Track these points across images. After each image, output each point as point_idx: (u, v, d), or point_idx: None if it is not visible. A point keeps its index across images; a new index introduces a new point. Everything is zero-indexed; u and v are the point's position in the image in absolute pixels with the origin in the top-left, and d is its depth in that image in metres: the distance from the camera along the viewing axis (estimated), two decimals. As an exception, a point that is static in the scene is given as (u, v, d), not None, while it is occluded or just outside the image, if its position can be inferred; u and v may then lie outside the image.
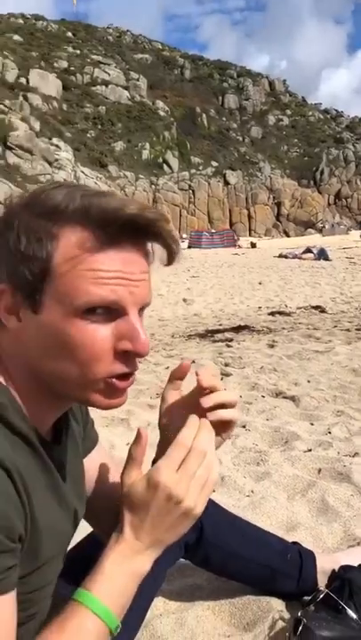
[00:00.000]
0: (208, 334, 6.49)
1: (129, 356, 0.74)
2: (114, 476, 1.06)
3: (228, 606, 1.44)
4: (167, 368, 4.47)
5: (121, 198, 0.72)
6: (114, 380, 0.74)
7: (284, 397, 3.47)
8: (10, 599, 0.67)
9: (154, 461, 0.80)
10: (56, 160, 64.18)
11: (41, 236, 0.70)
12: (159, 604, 1.47)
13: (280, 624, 1.31)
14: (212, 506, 1.39)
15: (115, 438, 2.74)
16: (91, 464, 1.01)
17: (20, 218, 0.72)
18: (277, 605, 1.39)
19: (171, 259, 0.77)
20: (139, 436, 0.78)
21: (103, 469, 1.05)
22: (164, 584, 1.43)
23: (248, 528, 1.43)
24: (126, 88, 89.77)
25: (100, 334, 0.71)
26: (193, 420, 0.77)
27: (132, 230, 0.71)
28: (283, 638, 1.24)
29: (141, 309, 0.76)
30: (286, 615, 1.35)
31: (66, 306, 0.70)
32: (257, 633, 1.30)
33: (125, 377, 0.76)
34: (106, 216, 0.69)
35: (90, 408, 1.01)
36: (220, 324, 7.42)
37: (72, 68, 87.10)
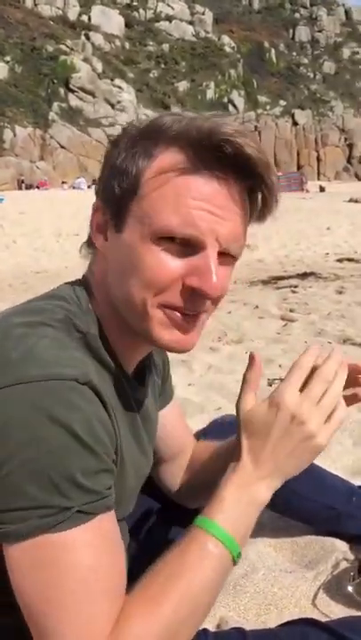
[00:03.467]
0: (272, 281, 6.35)
1: (195, 295, 0.69)
2: (183, 437, 1.07)
3: (289, 544, 1.44)
4: (229, 313, 4.43)
5: (225, 122, 0.66)
6: (176, 313, 0.70)
7: (353, 344, 3.36)
8: (114, 516, 0.66)
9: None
10: (118, 102, 63.23)
11: (137, 152, 0.69)
12: (220, 538, 1.48)
13: (343, 564, 1.30)
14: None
15: (176, 378, 2.75)
16: (162, 419, 1.00)
17: (127, 137, 0.72)
18: (341, 546, 1.38)
19: (264, 209, 0.73)
20: (252, 361, 0.73)
21: (174, 427, 1.04)
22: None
23: (313, 469, 1.40)
24: (191, 23, 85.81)
25: (170, 263, 0.68)
26: (314, 348, 0.73)
27: (227, 159, 0.66)
28: (346, 578, 1.22)
29: (223, 254, 0.70)
30: (350, 556, 1.34)
31: (144, 226, 0.68)
32: (320, 571, 1.29)
33: (190, 316, 0.71)
34: (201, 136, 0.65)
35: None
36: (285, 271, 7.22)
37: (135, 3, 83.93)
